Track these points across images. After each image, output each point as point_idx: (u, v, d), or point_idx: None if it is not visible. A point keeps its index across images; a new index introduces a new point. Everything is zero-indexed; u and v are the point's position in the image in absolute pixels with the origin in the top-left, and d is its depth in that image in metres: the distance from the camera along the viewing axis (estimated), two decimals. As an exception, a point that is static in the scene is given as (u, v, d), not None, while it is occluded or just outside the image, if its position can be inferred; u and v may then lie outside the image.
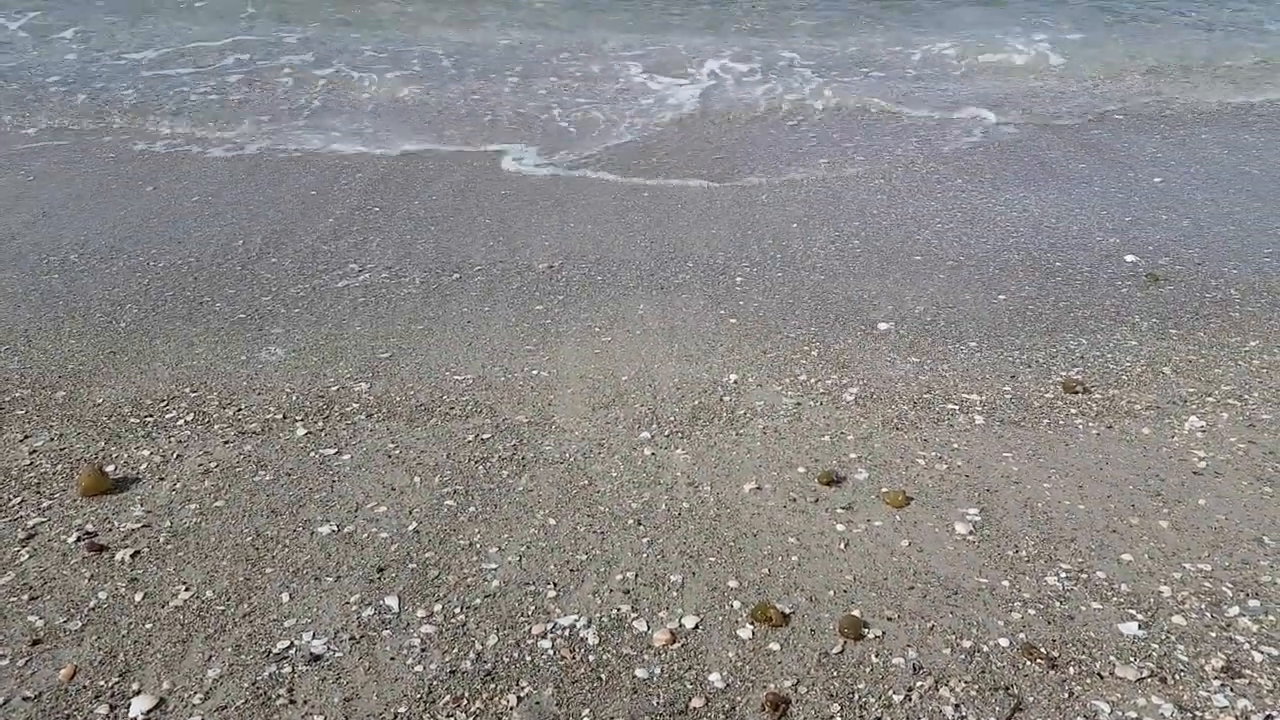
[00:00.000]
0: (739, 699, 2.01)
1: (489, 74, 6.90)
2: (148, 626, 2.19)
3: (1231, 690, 2.05)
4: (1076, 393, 3.35)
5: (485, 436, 3.01)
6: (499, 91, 6.58)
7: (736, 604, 2.28)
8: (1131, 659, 2.13)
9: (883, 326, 3.77)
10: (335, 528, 2.57)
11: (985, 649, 2.15)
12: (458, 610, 2.25)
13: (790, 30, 8.30)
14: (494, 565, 2.41)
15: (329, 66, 6.97)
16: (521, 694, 2.02)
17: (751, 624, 2.22)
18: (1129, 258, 4.35)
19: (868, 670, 2.09)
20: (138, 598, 2.29)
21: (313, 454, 2.92)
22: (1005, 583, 2.37)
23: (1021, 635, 2.19)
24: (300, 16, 8.29)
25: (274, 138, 5.71)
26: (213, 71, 6.90)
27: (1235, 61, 7.63)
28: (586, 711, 1.98)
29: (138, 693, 2.01)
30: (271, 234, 4.43)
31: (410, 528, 2.56)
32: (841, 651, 2.15)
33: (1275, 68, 7.46)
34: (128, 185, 5.02)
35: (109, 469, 2.84)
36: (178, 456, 2.91)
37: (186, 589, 2.32)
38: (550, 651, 2.13)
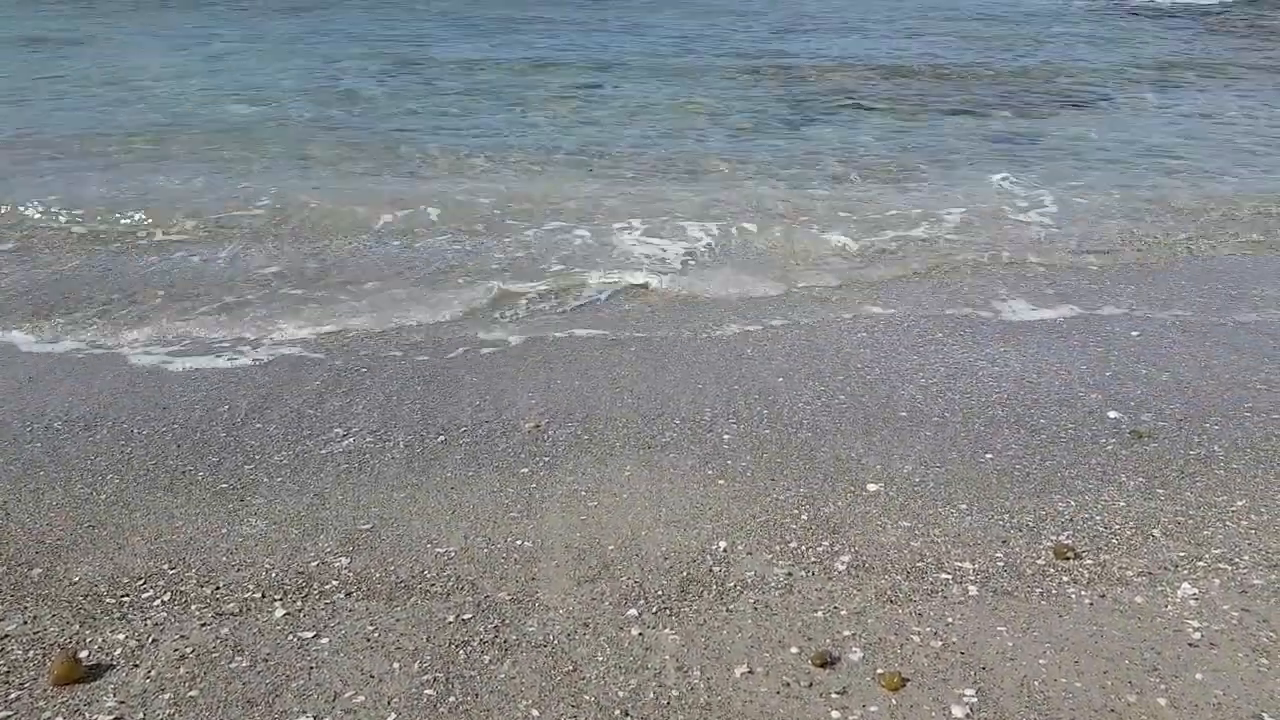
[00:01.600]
0: None
1: (475, 226, 7.05)
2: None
3: None
4: (1068, 559, 3.32)
5: (466, 616, 2.94)
6: (485, 245, 6.70)
7: (728, 806, 2.19)
8: None
9: (872, 488, 3.76)
10: (312, 719, 2.48)
11: None
12: (437, 818, 2.16)
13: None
14: (476, 764, 2.32)
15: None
16: None
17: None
18: (1112, 414, 4.38)
19: None
20: (102, 807, 2.19)
21: (291, 637, 2.84)
22: (1006, 777, 2.29)
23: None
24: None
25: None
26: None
27: (1201, 207, 7.86)
28: None
29: None
30: (258, 398, 4.43)
31: (388, 719, 2.48)
32: None
33: (1234, 217, 7.67)
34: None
35: (82, 655, 2.76)
36: (153, 641, 2.84)
37: (154, 796, 2.22)
38: None
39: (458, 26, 18.33)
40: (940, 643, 2.83)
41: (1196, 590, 3.15)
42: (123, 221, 6.94)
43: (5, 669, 2.70)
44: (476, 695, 2.58)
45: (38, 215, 6.97)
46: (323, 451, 3.98)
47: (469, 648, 2.79)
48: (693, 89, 12.66)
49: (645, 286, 5.97)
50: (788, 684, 2.64)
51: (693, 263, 6.44)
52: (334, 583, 3.13)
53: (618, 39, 16.85)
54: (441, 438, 4.10)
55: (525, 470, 3.85)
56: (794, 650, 2.78)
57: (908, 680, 2.66)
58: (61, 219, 6.89)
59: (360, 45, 15.83)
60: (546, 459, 3.94)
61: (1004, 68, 14.88)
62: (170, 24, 17.99)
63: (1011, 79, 13.95)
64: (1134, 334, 5.32)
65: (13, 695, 2.59)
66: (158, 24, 17.87)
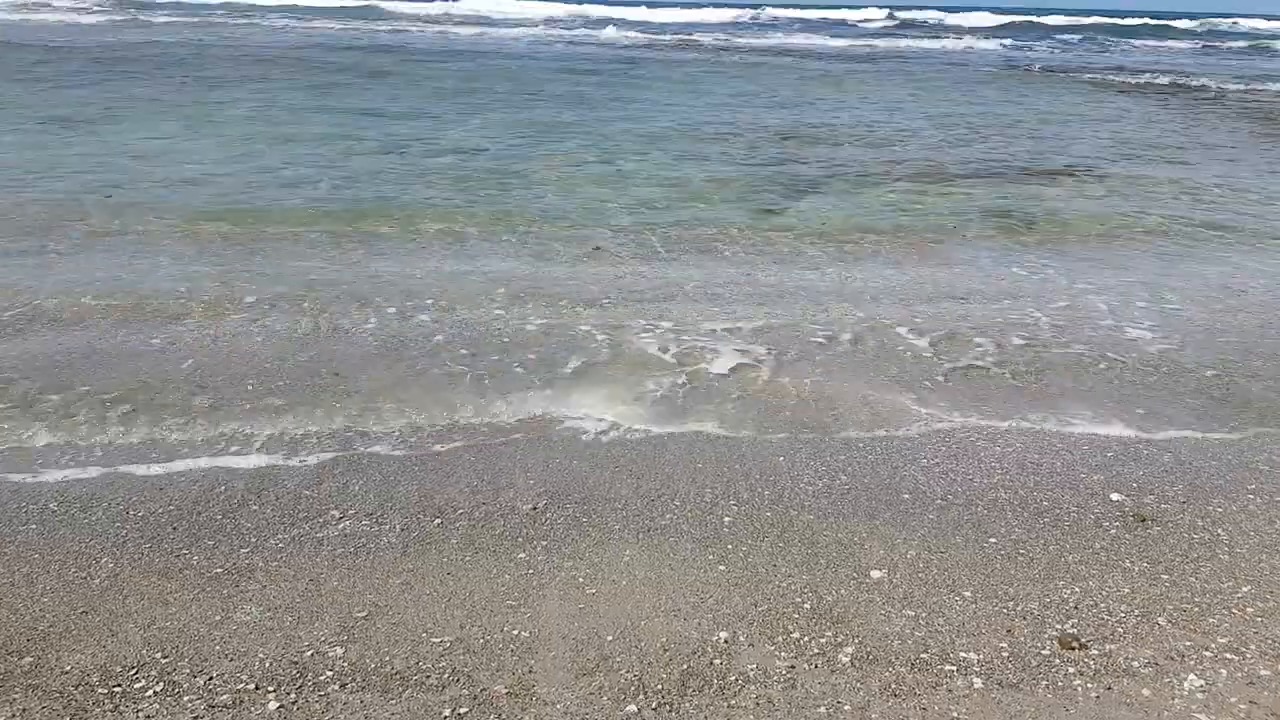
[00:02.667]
0: None
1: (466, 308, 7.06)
2: None
3: None
4: (1073, 649, 3.27)
5: (463, 711, 2.89)
6: (484, 324, 6.71)
7: None
8: None
9: (875, 574, 3.72)
10: (303, 823, 2.43)
11: None
12: None
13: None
14: None
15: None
16: None
17: None
18: (1114, 496, 4.36)
19: None
20: None
21: (284, 733, 2.79)
22: None
23: None
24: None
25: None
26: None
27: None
28: None
29: None
30: (256, 478, 4.40)
31: (382, 825, 2.42)
32: None
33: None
34: (114, 423, 5.03)
35: (69, 752, 2.71)
36: (142, 736, 2.78)
37: None
38: None
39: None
40: (945, 740, 2.78)
41: (1203, 682, 3.10)
42: (117, 303, 6.96)
43: (-9, 766, 2.65)
44: (472, 797, 2.53)
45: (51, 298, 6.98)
46: (319, 535, 3.95)
47: (465, 745, 2.74)
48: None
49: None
50: (790, 785, 2.58)
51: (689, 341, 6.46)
52: (329, 674, 3.08)
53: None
54: (438, 520, 4.07)
55: (523, 555, 3.81)
56: (796, 748, 2.73)
57: (913, 781, 2.60)
58: (86, 299, 6.90)
59: (373, 119, 16.03)
60: (544, 543, 3.91)
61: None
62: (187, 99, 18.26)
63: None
64: (1138, 410, 5.31)
65: (-2, 794, 2.54)
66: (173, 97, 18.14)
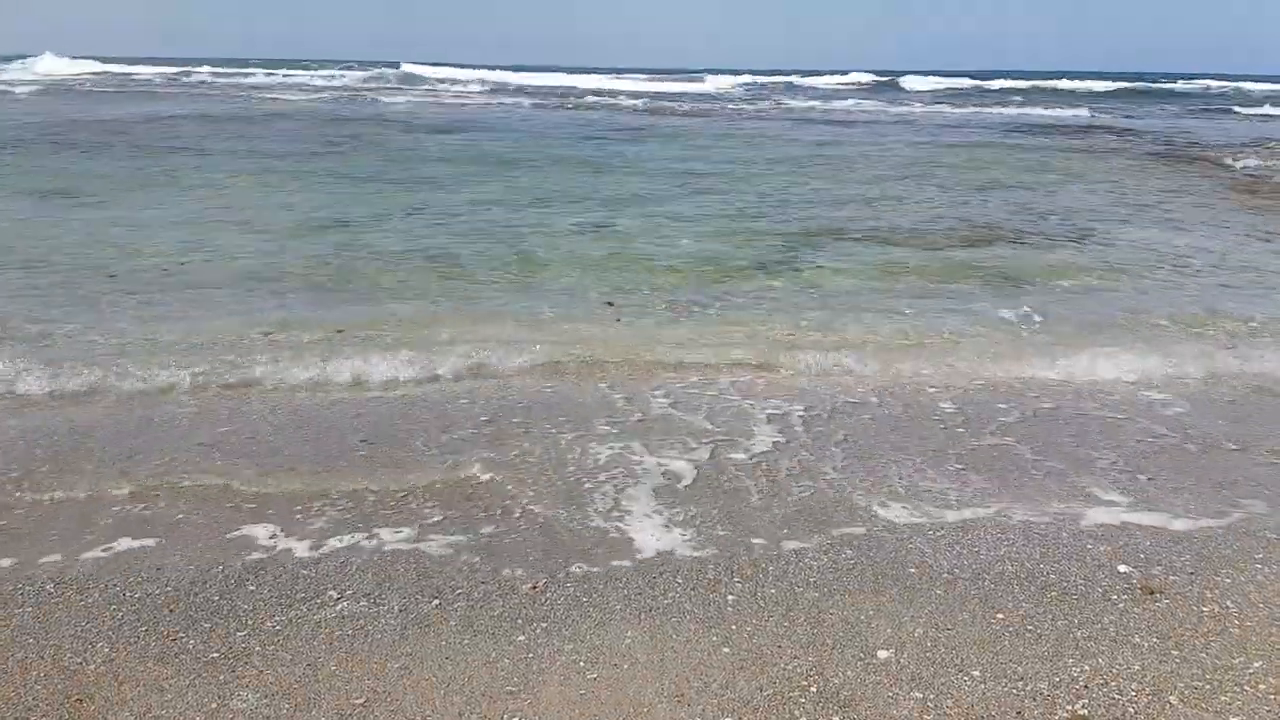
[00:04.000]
0: None
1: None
2: None
3: None
4: (1085, 732, 3.21)
5: (464, 806, 2.83)
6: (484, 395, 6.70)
7: None
8: None
9: (882, 654, 3.66)
10: None
11: None
12: None
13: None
14: None
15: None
16: None
17: None
18: (1122, 568, 4.31)
19: None
20: None
21: (278, 832, 2.72)
22: None
23: None
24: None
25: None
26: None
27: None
28: None
29: None
30: (253, 558, 4.36)
31: None
32: None
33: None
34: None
35: None
36: (133, 836, 2.71)
37: None
38: None
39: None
40: (956, 834, 2.71)
41: (1220, 768, 3.04)
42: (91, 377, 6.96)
43: None
44: None
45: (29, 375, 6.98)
46: (316, 616, 3.90)
47: (464, 844, 2.67)
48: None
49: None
50: None
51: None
52: (325, 767, 3.02)
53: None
54: (436, 602, 4.01)
55: (522, 638, 3.75)
56: (804, 844, 2.66)
57: None
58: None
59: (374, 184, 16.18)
60: (544, 624, 3.85)
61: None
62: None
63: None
64: (1142, 477, 5.27)
65: None
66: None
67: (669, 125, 31.56)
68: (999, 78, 78.97)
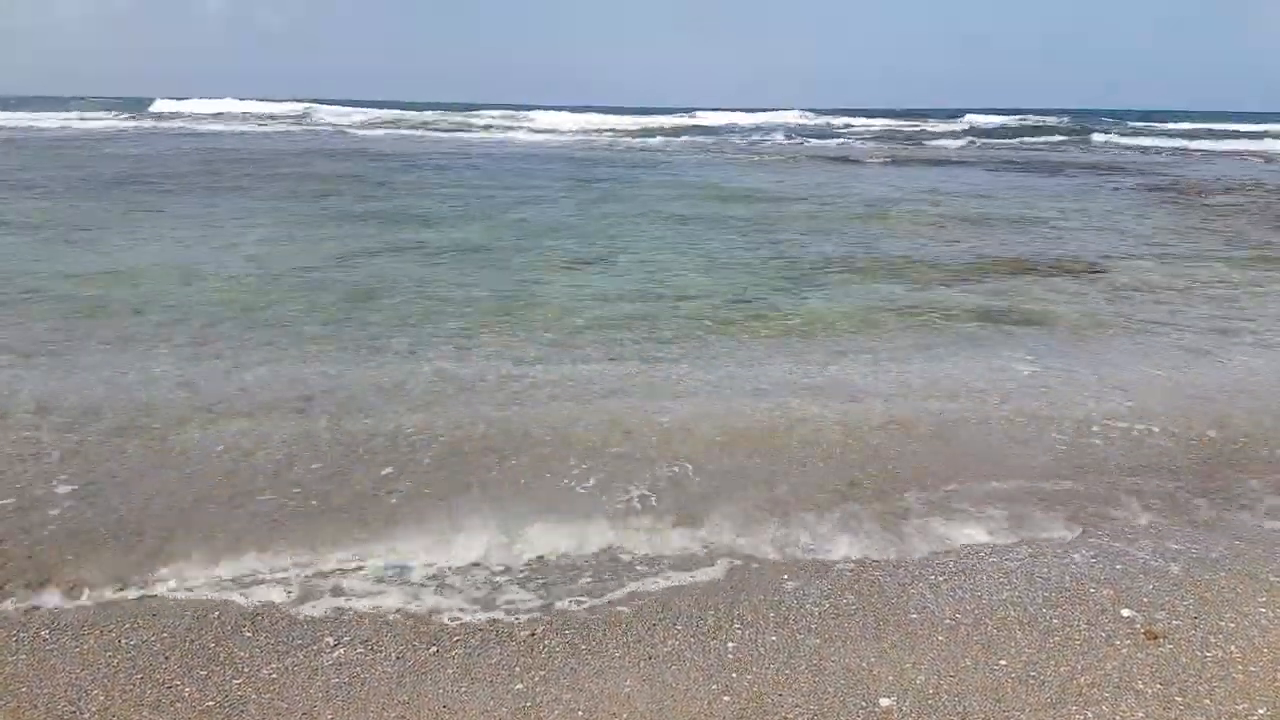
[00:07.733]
0: None
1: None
2: None
3: None
4: (1090, 784, 3.17)
5: None
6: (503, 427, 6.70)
7: None
8: None
9: (884, 702, 3.62)
10: None
11: None
12: None
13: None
14: None
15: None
16: None
17: None
18: (1125, 612, 4.27)
19: None
20: None
21: None
22: None
23: None
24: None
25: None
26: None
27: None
28: None
29: None
30: (250, 602, 4.33)
31: None
32: None
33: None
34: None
35: None
36: None
37: None
38: None
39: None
40: None
41: (1226, 819, 2.99)
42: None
43: None
44: None
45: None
46: (312, 664, 3.86)
47: None
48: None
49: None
50: None
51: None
52: (320, 822, 2.98)
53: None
54: (434, 649, 3.98)
55: (520, 686, 3.72)
56: None
57: None
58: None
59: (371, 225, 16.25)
60: (542, 671, 3.82)
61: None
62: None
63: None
64: (1142, 520, 5.25)
65: None
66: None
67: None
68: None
